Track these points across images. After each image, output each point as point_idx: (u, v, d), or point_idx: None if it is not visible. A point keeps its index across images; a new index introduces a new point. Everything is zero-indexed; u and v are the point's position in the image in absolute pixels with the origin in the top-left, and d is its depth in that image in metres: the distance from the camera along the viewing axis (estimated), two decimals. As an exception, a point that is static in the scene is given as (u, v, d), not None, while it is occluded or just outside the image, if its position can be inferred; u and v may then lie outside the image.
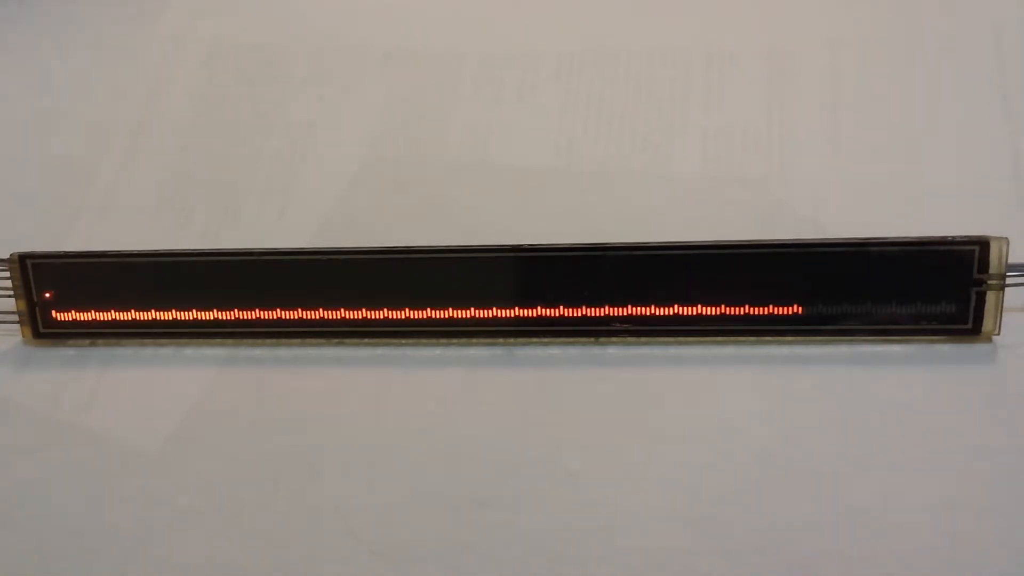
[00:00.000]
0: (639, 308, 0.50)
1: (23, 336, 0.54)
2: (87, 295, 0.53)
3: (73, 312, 0.54)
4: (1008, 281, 0.47)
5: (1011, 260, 0.47)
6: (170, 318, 0.53)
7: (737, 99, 0.61)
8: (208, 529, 0.45)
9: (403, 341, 0.52)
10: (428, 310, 0.51)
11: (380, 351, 0.52)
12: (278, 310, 0.52)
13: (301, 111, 0.65)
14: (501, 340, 0.52)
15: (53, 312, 0.54)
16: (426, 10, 0.69)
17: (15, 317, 0.54)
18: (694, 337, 0.50)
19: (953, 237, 0.47)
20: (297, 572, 0.43)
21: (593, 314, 0.50)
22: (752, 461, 0.45)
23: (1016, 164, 0.56)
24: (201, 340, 0.53)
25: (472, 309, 0.51)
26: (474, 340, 0.52)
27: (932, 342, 0.49)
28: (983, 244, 0.47)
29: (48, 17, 0.74)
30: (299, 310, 0.52)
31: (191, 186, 0.62)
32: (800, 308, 0.49)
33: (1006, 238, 0.47)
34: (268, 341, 0.53)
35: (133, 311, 0.53)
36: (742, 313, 0.49)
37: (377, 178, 0.61)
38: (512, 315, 0.51)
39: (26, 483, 0.48)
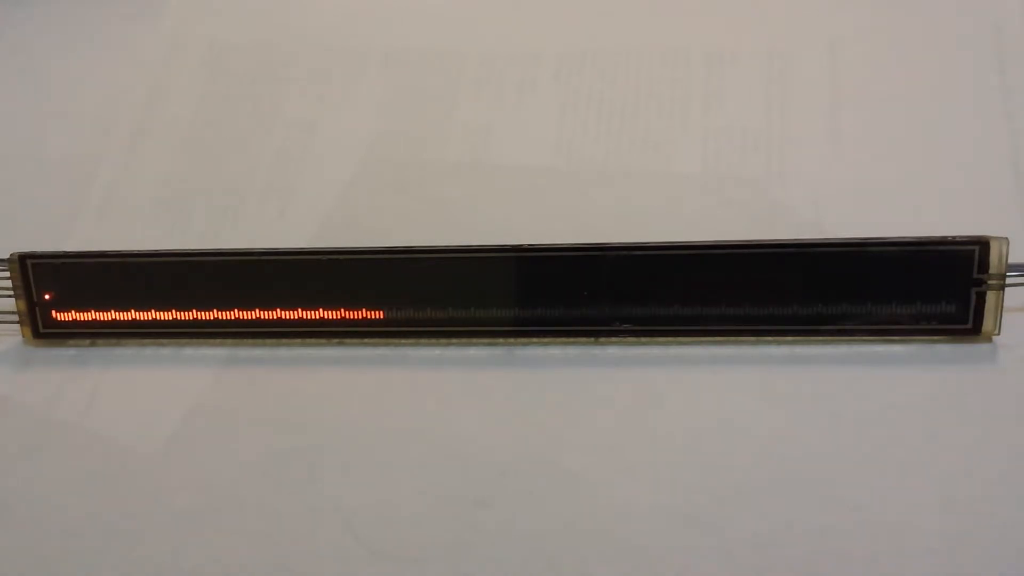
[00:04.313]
0: (639, 308, 0.50)
1: (23, 336, 0.54)
2: (87, 295, 0.53)
3: (73, 312, 0.54)
4: (1008, 281, 0.47)
5: (1011, 260, 0.47)
6: (170, 318, 0.53)
7: (737, 99, 0.61)
8: (208, 529, 0.45)
9: (403, 341, 0.52)
10: (428, 310, 0.51)
11: (380, 351, 0.52)
12: (278, 310, 0.52)
13: (301, 111, 0.65)
14: (501, 340, 0.52)
15: (53, 312, 0.54)
16: (426, 10, 0.69)
17: (15, 317, 0.54)
18: (694, 337, 0.50)
19: (953, 237, 0.47)
20: (297, 572, 0.43)
21: (593, 314, 0.50)
22: (752, 461, 0.45)
23: (1016, 164, 0.56)
24: (201, 340, 0.53)
25: (472, 309, 0.51)
26: (474, 340, 0.52)
27: (932, 342, 0.49)
28: (983, 244, 0.47)
29: (48, 17, 0.74)
30: (299, 310, 0.52)
31: (191, 186, 0.62)
32: (800, 308, 0.49)
33: (1006, 238, 0.47)
34: (268, 341, 0.53)
35: (133, 311, 0.53)
36: (742, 313, 0.49)
37: (377, 178, 0.61)
38: (512, 315, 0.51)
39: (26, 483, 0.48)
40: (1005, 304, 0.47)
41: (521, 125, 0.62)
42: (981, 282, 0.47)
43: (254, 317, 0.52)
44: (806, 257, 0.48)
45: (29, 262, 0.53)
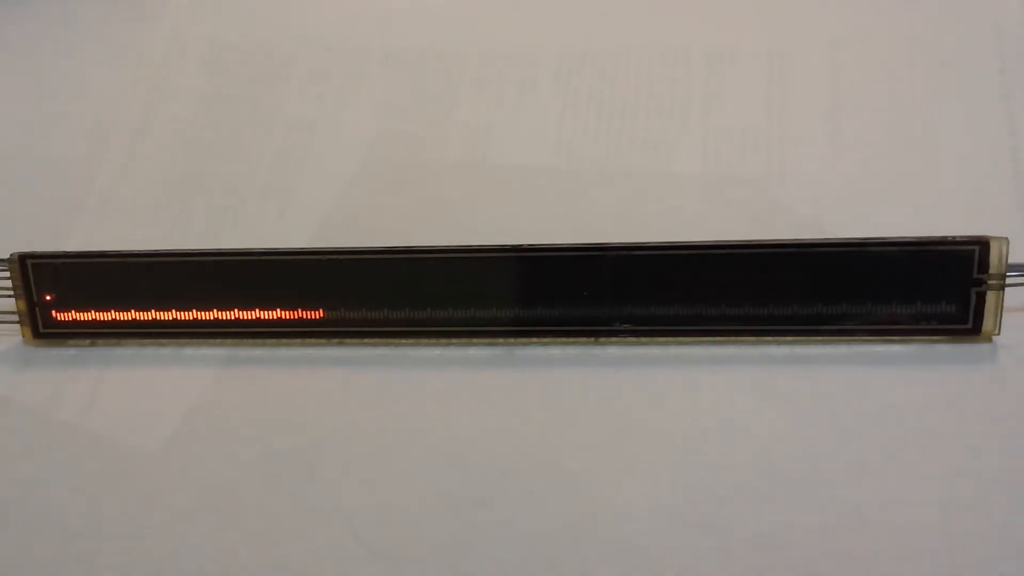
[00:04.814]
0: (639, 308, 0.50)
1: (23, 336, 0.54)
2: (87, 295, 0.53)
3: (73, 312, 0.54)
4: (1008, 281, 0.47)
5: (1011, 260, 0.47)
6: (170, 318, 0.53)
7: (737, 99, 0.61)
8: (208, 529, 0.45)
9: (403, 341, 0.52)
10: (428, 310, 0.51)
11: (380, 351, 0.52)
12: (278, 310, 0.52)
13: (301, 111, 0.65)
14: (501, 340, 0.52)
15: (53, 312, 0.54)
16: (426, 10, 0.69)
17: (15, 317, 0.54)
18: (694, 337, 0.50)
19: (953, 237, 0.47)
20: (297, 572, 0.43)
21: (593, 314, 0.50)
22: (752, 461, 0.45)
23: (1016, 164, 0.56)
24: (201, 340, 0.53)
25: (472, 309, 0.51)
26: (474, 340, 0.52)
27: (932, 342, 0.49)
28: (983, 244, 0.47)
29: (48, 17, 0.74)
30: (299, 310, 0.52)
31: (191, 186, 0.62)
32: (800, 308, 0.49)
33: (1006, 238, 0.47)
34: (268, 341, 0.53)
35: (133, 311, 0.53)
36: (742, 313, 0.49)
37: (377, 178, 0.61)
38: (512, 315, 0.51)
39: (26, 483, 0.48)
40: (1005, 304, 0.47)
41: (521, 125, 0.62)
42: (981, 282, 0.47)
43: (254, 317, 0.52)
44: (806, 257, 0.48)
45: (29, 262, 0.53)
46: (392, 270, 0.51)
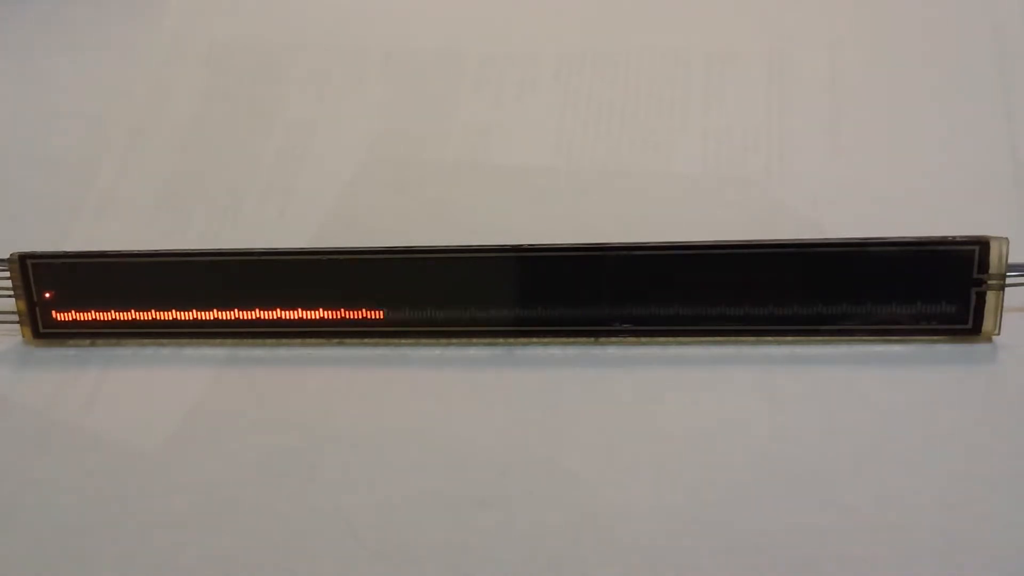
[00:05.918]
0: (639, 308, 0.50)
1: (23, 336, 0.54)
2: (87, 295, 0.53)
3: (73, 312, 0.54)
4: (1008, 281, 0.47)
5: (1011, 260, 0.47)
6: (170, 318, 0.53)
7: (737, 99, 0.61)
8: (208, 529, 0.45)
9: (403, 341, 0.52)
10: (428, 310, 0.51)
11: (380, 351, 0.52)
12: (278, 310, 0.52)
13: (301, 111, 0.65)
14: (501, 340, 0.52)
15: (53, 312, 0.54)
16: (426, 10, 0.69)
17: (15, 317, 0.54)
18: (694, 337, 0.50)
19: (953, 237, 0.47)
20: (297, 572, 0.43)
21: (593, 314, 0.50)
22: (752, 461, 0.45)
23: (1016, 164, 0.56)
24: (201, 340, 0.53)
25: (472, 309, 0.51)
26: (474, 340, 0.52)
27: (932, 342, 0.49)
28: (983, 244, 0.47)
29: (49, 17, 0.74)
30: (299, 310, 0.52)
31: (191, 186, 0.62)
32: (800, 308, 0.49)
33: (1006, 238, 0.47)
34: (268, 341, 0.53)
35: (133, 311, 0.53)
36: (742, 313, 0.49)
37: (377, 178, 0.61)
38: (512, 315, 0.51)
39: (26, 483, 0.48)
40: (1005, 304, 0.47)
41: (521, 125, 0.62)
42: (981, 282, 0.47)
43: (254, 317, 0.52)
44: (806, 257, 0.48)
45: (29, 262, 0.53)
46: (392, 270, 0.51)
